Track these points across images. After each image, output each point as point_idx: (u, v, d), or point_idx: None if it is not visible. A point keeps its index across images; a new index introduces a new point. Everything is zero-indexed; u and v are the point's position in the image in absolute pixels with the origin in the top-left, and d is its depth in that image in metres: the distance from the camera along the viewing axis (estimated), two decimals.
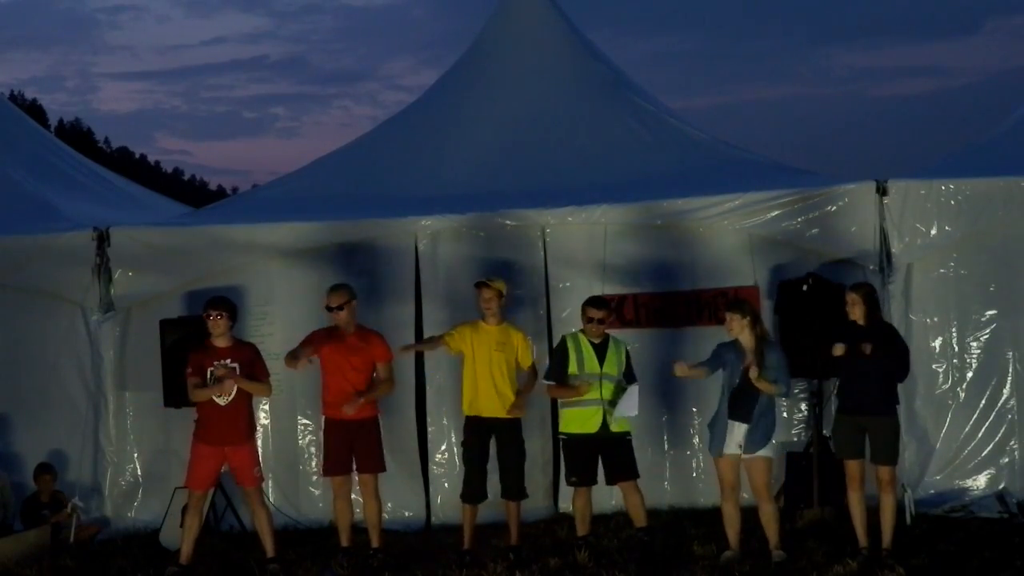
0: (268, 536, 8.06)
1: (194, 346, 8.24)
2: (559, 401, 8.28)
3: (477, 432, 8.11)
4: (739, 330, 7.70)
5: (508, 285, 8.39)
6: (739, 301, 8.34)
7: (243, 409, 8.00)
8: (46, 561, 8.55)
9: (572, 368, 8.01)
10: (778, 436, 7.93)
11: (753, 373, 7.57)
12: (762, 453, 7.68)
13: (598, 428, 7.91)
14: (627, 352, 8.17)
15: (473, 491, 8.11)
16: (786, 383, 7.79)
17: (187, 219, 11.17)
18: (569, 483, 8.19)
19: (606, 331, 8.14)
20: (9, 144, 11.84)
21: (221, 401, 7.92)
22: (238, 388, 7.93)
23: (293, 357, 7.97)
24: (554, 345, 9.14)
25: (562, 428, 8.15)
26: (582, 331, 8.13)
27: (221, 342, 8.03)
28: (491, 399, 8.04)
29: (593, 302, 8.14)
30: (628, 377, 8.08)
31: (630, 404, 7.91)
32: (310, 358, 8.04)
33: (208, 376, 7.94)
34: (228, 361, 7.96)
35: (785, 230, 9.35)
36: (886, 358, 7.51)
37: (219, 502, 9.10)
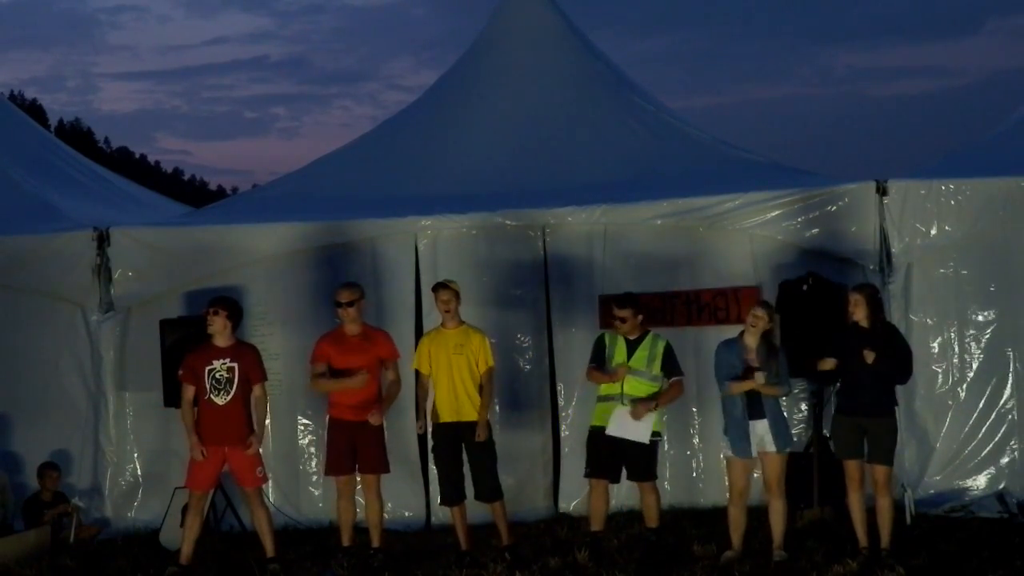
0: (268, 536, 8.06)
1: (193, 346, 8.25)
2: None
3: (445, 437, 8.10)
4: (763, 328, 7.68)
5: (460, 287, 8.32)
6: (765, 301, 8.32)
7: (241, 409, 7.98)
8: (46, 561, 8.55)
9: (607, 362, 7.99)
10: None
11: (760, 379, 7.59)
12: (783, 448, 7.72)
13: None
14: (666, 347, 8.03)
15: (449, 494, 8.12)
16: (788, 383, 7.84)
17: (187, 219, 11.17)
18: (585, 474, 8.16)
19: (648, 328, 8.10)
20: (9, 144, 11.83)
21: (219, 401, 7.93)
22: (237, 388, 7.93)
23: (320, 378, 8.10)
24: (558, 343, 9.50)
25: (591, 422, 8.13)
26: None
27: (220, 341, 8.02)
28: (453, 403, 8.04)
29: (618, 301, 8.08)
30: (668, 372, 7.99)
31: (633, 430, 7.84)
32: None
33: (205, 376, 7.95)
34: (227, 360, 7.97)
35: (785, 230, 9.35)
36: (887, 360, 7.51)
37: (219, 502, 9.09)
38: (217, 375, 7.93)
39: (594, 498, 8.05)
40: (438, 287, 8.17)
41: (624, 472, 8.07)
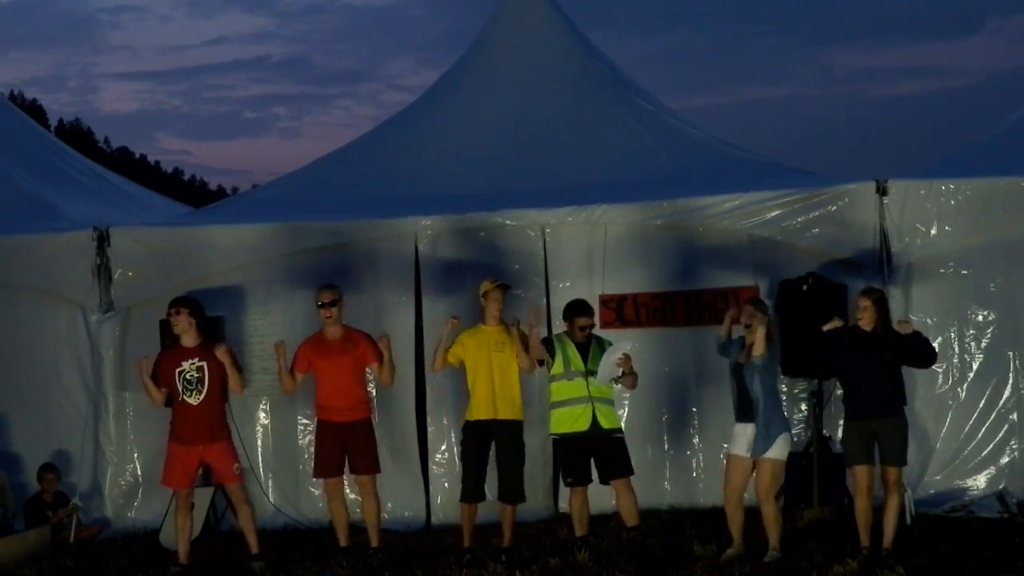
0: (251, 533, 8.07)
1: (168, 346, 8.28)
2: (549, 402, 8.22)
3: (476, 434, 8.09)
4: (760, 328, 7.63)
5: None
6: (758, 300, 8.30)
7: (215, 408, 7.98)
8: (46, 561, 8.55)
9: (558, 368, 8.00)
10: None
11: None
12: (770, 455, 7.66)
13: (588, 426, 7.90)
14: (609, 343, 8.11)
15: (471, 492, 8.09)
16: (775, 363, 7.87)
17: (187, 219, 11.18)
18: (565, 484, 8.17)
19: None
20: (9, 144, 11.84)
21: (192, 401, 7.92)
22: (208, 387, 7.91)
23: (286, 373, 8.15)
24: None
25: (552, 429, 8.11)
26: (566, 333, 8.13)
27: (187, 341, 8.02)
28: (490, 400, 8.02)
29: (579, 311, 8.08)
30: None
31: (607, 366, 7.84)
32: (297, 374, 8.18)
33: (175, 377, 7.93)
34: (196, 360, 7.95)
35: (785, 230, 9.35)
36: (895, 360, 7.50)
37: (219, 502, 9.10)
38: (187, 376, 7.93)
39: (578, 504, 8.02)
40: (500, 287, 8.12)
41: (597, 474, 8.04)
